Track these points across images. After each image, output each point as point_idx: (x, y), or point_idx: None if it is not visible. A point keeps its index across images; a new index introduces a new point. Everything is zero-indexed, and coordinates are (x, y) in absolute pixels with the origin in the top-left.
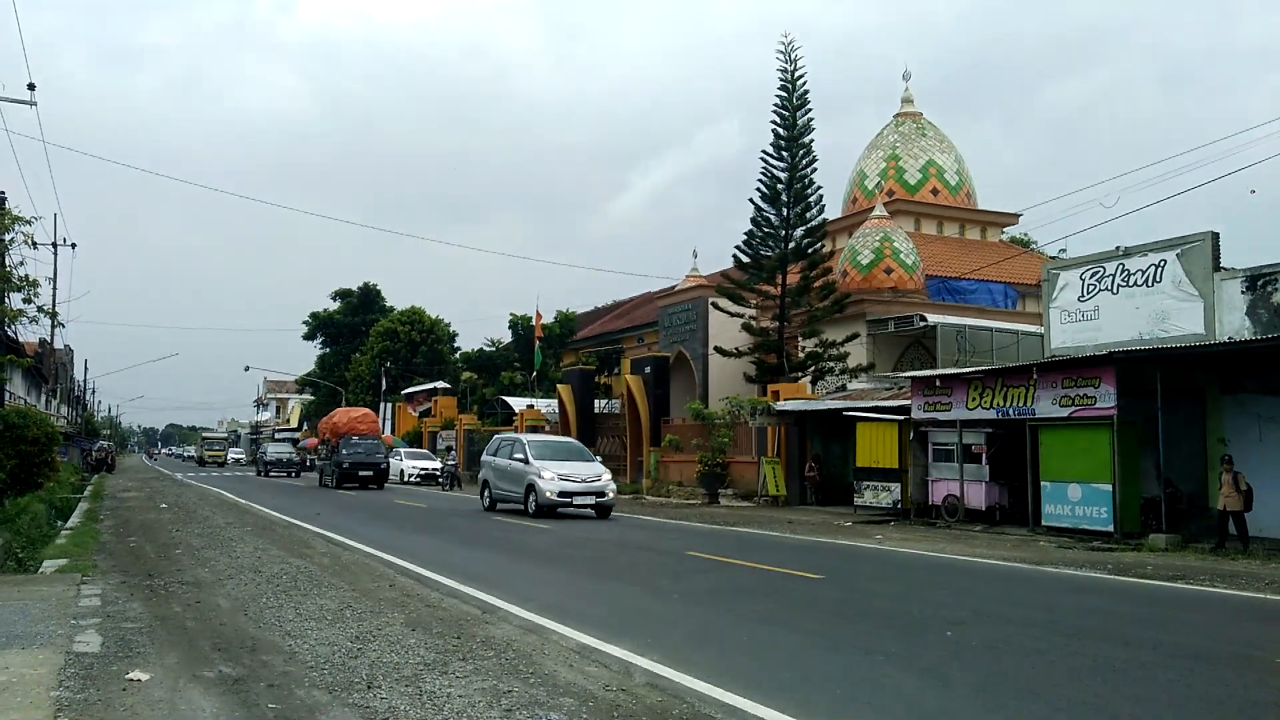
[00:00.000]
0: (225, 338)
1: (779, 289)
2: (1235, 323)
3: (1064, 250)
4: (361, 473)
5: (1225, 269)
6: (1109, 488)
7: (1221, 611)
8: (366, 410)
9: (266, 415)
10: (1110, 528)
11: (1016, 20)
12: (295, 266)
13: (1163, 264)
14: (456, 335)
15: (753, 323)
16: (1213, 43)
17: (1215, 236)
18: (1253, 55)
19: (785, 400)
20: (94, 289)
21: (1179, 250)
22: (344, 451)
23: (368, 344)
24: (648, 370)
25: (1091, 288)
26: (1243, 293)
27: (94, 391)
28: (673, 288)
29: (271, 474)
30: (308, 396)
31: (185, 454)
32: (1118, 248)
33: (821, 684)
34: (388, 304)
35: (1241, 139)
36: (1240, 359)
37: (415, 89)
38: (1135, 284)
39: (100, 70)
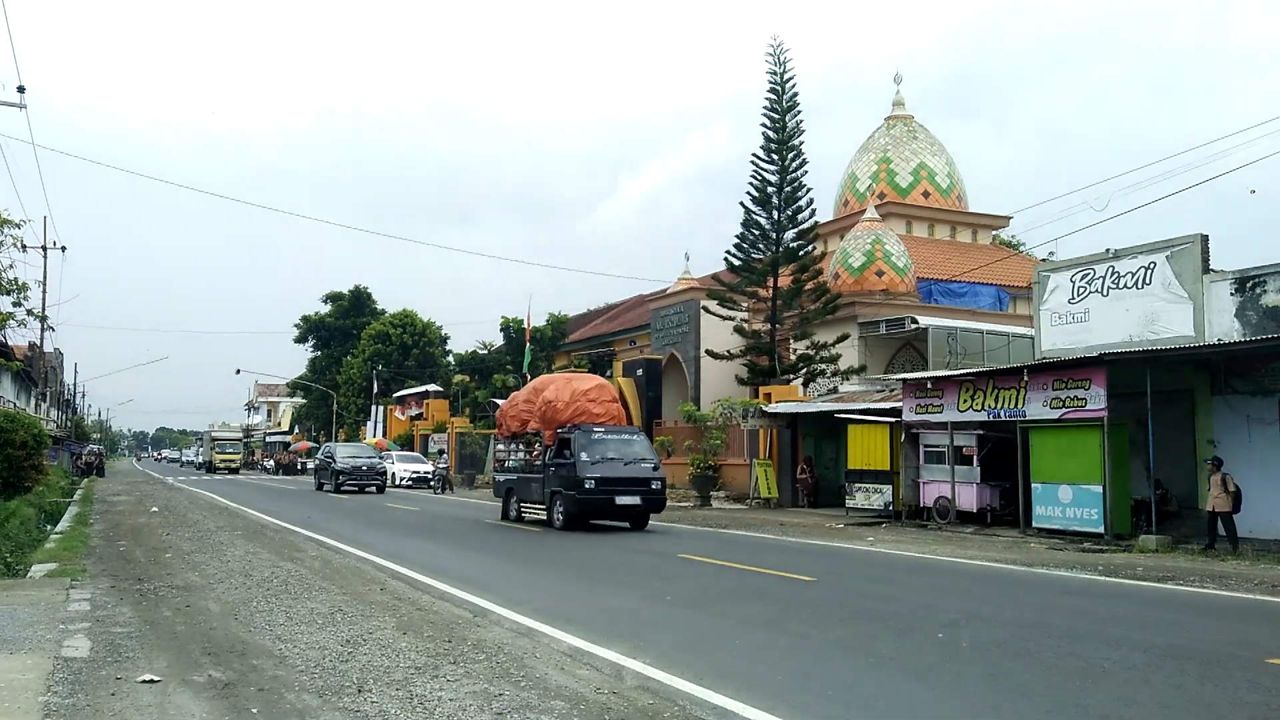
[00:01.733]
0: (216, 341)
1: (770, 291)
2: (1224, 324)
3: (1053, 253)
4: (620, 499)
5: (1214, 271)
6: (1099, 489)
7: (1211, 612)
8: (600, 380)
9: (258, 419)
10: (1101, 529)
11: (1007, 23)
12: (286, 270)
13: (1152, 266)
14: (448, 338)
15: (745, 325)
16: (1202, 46)
17: (1204, 239)
18: (1242, 58)
19: (777, 402)
20: (84, 292)
21: (1168, 252)
22: (583, 457)
23: (359, 347)
24: (640, 372)
25: (1082, 290)
26: (1232, 295)
27: (84, 395)
28: (665, 290)
29: (345, 488)
30: (299, 400)
31: (184, 459)
32: (1108, 250)
33: (813, 686)
34: (379, 306)
35: (1230, 142)
36: (1230, 360)
37: (407, 92)
38: (1125, 286)
39: (90, 73)
